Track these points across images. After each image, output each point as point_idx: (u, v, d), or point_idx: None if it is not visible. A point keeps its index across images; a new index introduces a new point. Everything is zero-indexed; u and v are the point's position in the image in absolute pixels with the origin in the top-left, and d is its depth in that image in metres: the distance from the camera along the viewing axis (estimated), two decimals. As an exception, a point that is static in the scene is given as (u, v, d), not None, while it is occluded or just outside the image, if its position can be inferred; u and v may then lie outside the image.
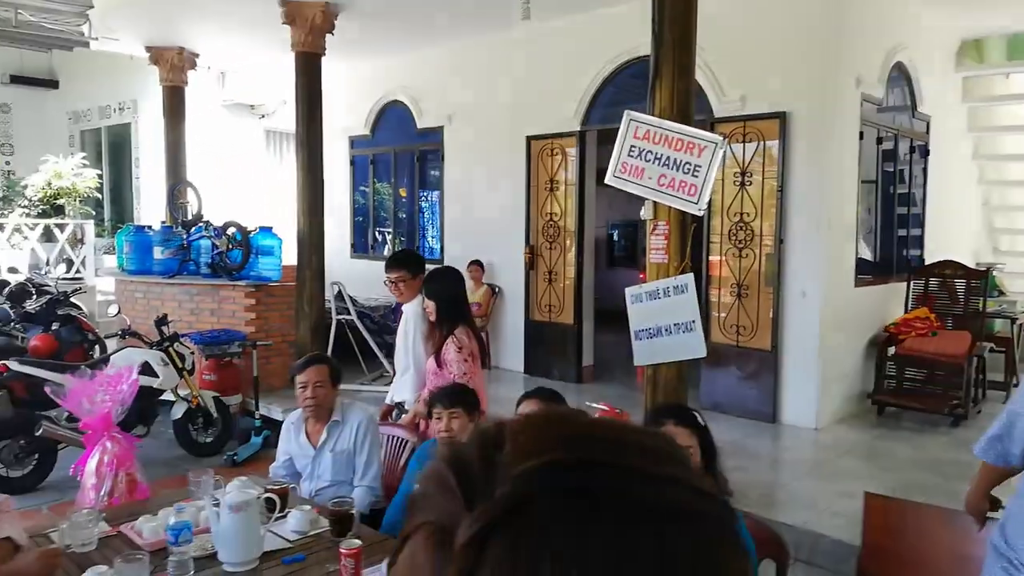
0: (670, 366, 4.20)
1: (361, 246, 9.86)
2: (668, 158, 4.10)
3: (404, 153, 9.04)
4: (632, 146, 4.22)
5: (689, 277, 4.09)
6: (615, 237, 12.88)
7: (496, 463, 0.44)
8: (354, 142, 9.49)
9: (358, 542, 2.13)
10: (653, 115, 4.09)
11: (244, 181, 10.27)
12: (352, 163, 9.59)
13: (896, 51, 6.29)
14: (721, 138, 4.00)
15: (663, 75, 4.04)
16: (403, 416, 3.83)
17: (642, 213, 4.30)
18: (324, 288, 6.93)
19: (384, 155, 9.31)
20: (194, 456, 5.81)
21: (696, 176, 4.01)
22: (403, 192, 9.35)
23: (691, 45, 4.06)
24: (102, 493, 2.79)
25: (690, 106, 4.12)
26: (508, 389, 6.90)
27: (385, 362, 6.88)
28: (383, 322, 7.32)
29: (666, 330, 4.18)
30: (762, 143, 5.79)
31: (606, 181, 4.34)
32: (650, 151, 4.16)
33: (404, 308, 3.93)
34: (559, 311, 7.26)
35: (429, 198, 9.04)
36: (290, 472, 3.32)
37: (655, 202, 4.17)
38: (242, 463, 5.73)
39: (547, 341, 7.35)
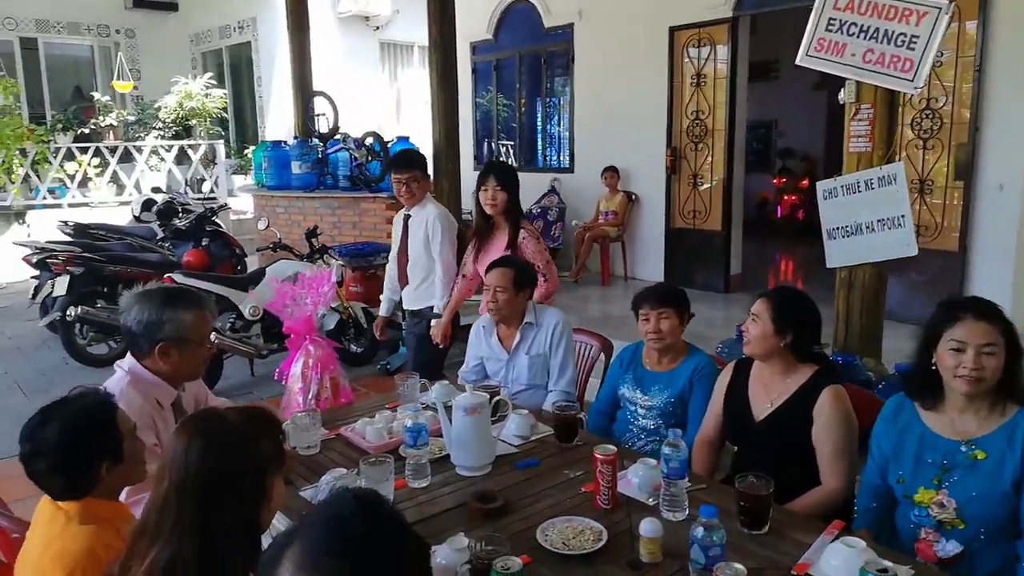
0: (869, 268, 3.81)
1: (484, 159, 9.64)
2: (876, 30, 3.61)
3: (530, 55, 8.62)
4: (831, 19, 3.74)
5: (899, 167, 3.64)
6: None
7: None
8: (476, 48, 9.13)
9: (613, 448, 1.96)
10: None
11: (365, 95, 10.14)
12: (474, 71, 9.26)
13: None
14: (947, 1, 3.45)
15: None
16: (435, 322, 3.75)
17: (841, 96, 3.84)
18: (460, 198, 6.77)
19: (508, 60, 8.92)
20: (349, 365, 5.89)
21: (912, 49, 3.51)
22: (522, 102, 8.99)
23: None
24: (309, 396, 2.74)
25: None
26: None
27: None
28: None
29: (867, 227, 3.78)
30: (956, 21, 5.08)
31: (797, 62, 3.90)
32: (854, 23, 3.68)
33: (417, 212, 3.80)
34: (704, 217, 6.85)
35: (557, 103, 8.65)
36: (480, 377, 3.20)
37: (858, 82, 3.71)
38: (394, 372, 5.78)
39: (690, 249, 6.98)
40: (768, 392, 2.32)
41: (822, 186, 3.98)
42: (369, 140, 6.43)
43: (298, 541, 0.92)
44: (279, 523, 2.09)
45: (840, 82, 3.89)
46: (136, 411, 2.07)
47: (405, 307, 4.03)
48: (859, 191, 3.78)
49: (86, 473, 1.57)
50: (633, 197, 7.45)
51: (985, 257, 5.18)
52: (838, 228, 3.88)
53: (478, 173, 3.51)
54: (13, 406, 5.13)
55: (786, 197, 10.83)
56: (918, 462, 1.97)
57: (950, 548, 1.92)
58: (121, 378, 2.15)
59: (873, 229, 3.73)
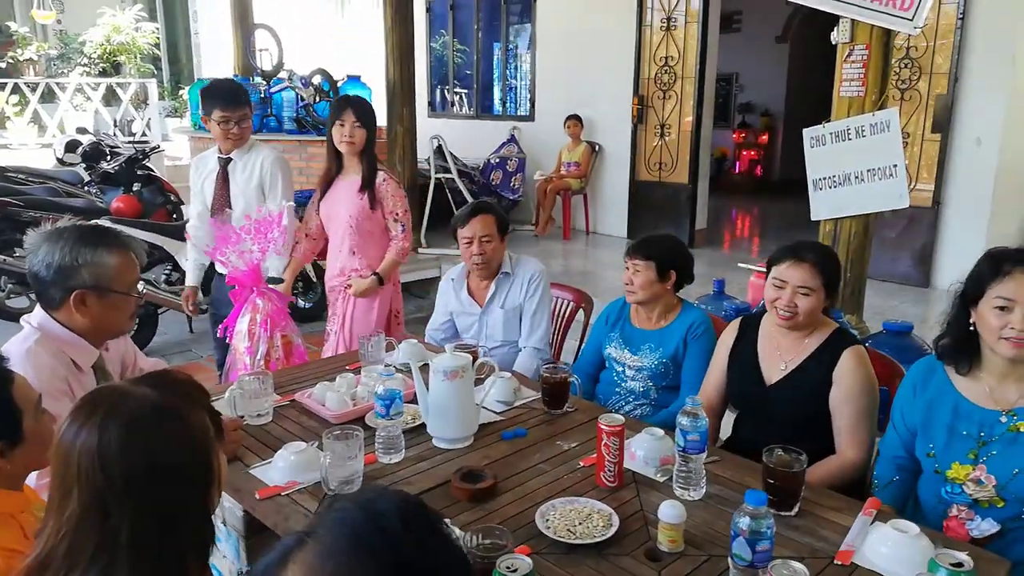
0: (856, 221, 3.63)
1: (440, 105, 9.18)
2: (875, -36, 3.35)
3: (489, -6, 8.15)
4: (828, -48, 3.46)
5: (893, 112, 3.44)
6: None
7: None
8: (431, -15, 8.60)
9: (620, 418, 1.70)
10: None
11: (311, 30, 9.48)
12: (429, 10, 8.73)
13: None
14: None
15: None
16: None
17: (833, 36, 3.59)
18: (416, 145, 6.37)
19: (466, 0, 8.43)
20: (297, 322, 5.51)
21: (914, -16, 3.27)
22: (479, 45, 8.53)
23: None
24: (258, 357, 2.40)
25: None
26: (606, 254, 6.41)
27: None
28: (482, 181, 6.78)
29: (856, 177, 3.58)
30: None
31: (789, -2, 3.61)
32: (852, -43, 3.41)
33: (240, 156, 3.07)
34: (671, 169, 6.60)
35: (517, 47, 8.23)
36: (449, 335, 2.91)
37: (854, 20, 3.46)
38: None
39: (655, 203, 6.75)
40: (782, 353, 2.09)
41: (809, 133, 3.77)
42: (317, 79, 5.95)
43: (315, 541, 0.68)
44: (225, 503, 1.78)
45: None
46: (46, 375, 1.72)
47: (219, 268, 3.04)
48: (849, 139, 3.57)
49: None
50: (597, 148, 7.15)
51: (958, 212, 5.08)
52: (825, 178, 3.68)
53: (333, 105, 3.09)
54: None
55: (745, 152, 10.69)
56: (951, 434, 1.76)
57: (986, 527, 1.73)
58: (28, 335, 1.78)
59: (863, 179, 3.54)
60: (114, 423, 0.99)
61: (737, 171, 10.79)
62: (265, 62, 6.37)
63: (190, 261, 3.27)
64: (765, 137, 10.65)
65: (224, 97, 2.97)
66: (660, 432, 1.80)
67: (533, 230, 7.22)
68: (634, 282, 2.45)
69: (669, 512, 1.44)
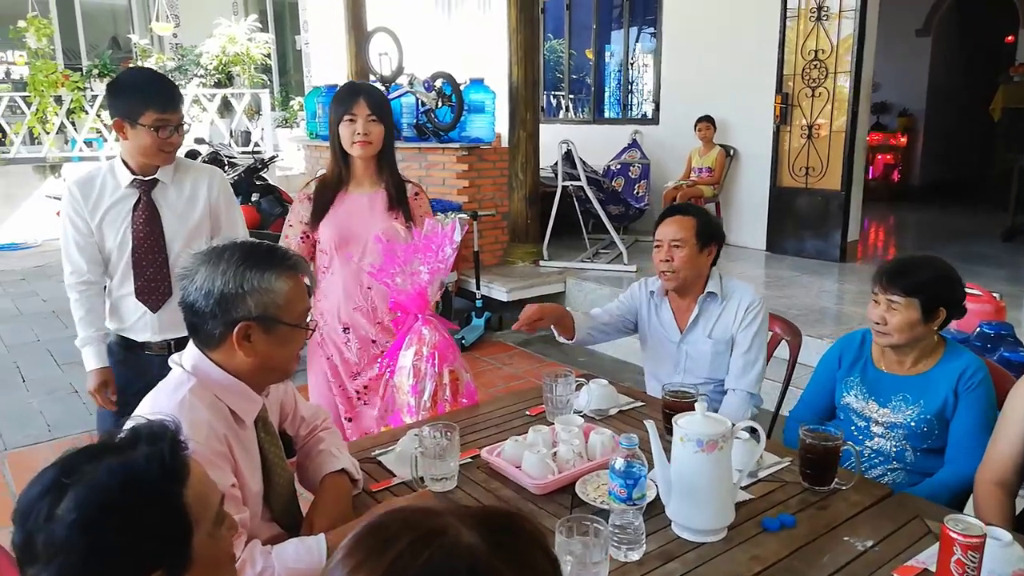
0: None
1: (551, 111, 8.80)
2: None
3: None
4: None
5: None
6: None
7: None
8: (546, -16, 8.24)
9: (979, 523, 1.21)
10: None
11: (427, 33, 9.25)
12: (543, 10, 8.36)
13: None
14: None
15: None
16: None
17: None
18: (538, 151, 5.99)
19: (583, -3, 8.02)
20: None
21: None
22: (595, 42, 8.09)
23: None
24: (424, 397, 2.03)
25: None
26: (746, 268, 5.83)
27: (616, 237, 5.93)
28: (611, 188, 6.33)
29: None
30: None
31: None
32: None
33: (167, 174, 2.21)
34: (819, 174, 5.96)
35: (640, 43, 7.75)
36: (608, 330, 2.43)
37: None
38: (469, 348, 5.09)
39: (799, 211, 6.11)
40: None
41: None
42: (439, 82, 5.64)
43: None
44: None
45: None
46: (203, 434, 1.36)
47: (156, 337, 2.25)
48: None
49: None
50: (731, 152, 6.58)
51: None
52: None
53: (337, 97, 2.36)
54: (43, 378, 4.54)
55: (880, 156, 9.82)
56: None
57: None
58: (180, 382, 1.42)
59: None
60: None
61: (871, 176, 9.92)
62: (385, 67, 6.12)
63: (84, 334, 2.22)
64: (904, 139, 9.75)
65: (159, 93, 2.09)
66: (1007, 536, 1.30)
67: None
68: (889, 322, 1.93)
69: None
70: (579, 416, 1.91)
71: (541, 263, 5.95)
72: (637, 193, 7.00)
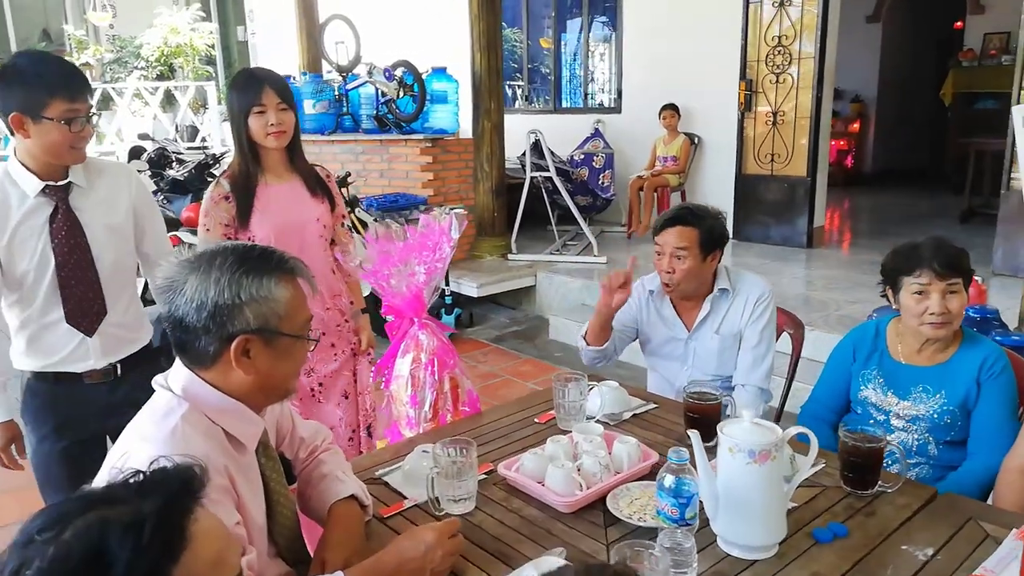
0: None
1: (508, 100, 8.64)
2: None
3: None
4: None
5: None
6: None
7: None
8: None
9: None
10: None
11: (384, 19, 8.95)
12: (500, -2, 8.19)
13: None
14: None
15: None
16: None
17: None
18: (503, 142, 5.85)
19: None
20: (381, 337, 5.03)
21: None
22: (544, 43, 7.98)
23: None
24: (424, 409, 1.88)
25: None
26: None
27: (586, 228, 5.83)
28: (578, 180, 6.22)
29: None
30: None
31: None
32: None
33: (81, 175, 1.86)
34: (785, 161, 5.96)
35: (601, 33, 7.66)
36: (606, 351, 2.33)
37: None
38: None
39: (766, 198, 6.12)
40: None
41: (1019, 111, 3.17)
42: (400, 71, 5.45)
43: None
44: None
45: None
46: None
47: (99, 364, 1.91)
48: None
49: None
50: (696, 140, 6.55)
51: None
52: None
53: (237, 87, 2.20)
54: None
55: (833, 142, 9.94)
56: None
57: None
58: (170, 408, 1.24)
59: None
60: None
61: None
62: (342, 56, 5.89)
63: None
64: (856, 126, 9.90)
65: (65, 79, 1.75)
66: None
67: (625, 231, 6.64)
68: (952, 309, 1.85)
69: None
70: (596, 423, 1.79)
71: (510, 256, 5.83)
72: (602, 183, 6.92)
